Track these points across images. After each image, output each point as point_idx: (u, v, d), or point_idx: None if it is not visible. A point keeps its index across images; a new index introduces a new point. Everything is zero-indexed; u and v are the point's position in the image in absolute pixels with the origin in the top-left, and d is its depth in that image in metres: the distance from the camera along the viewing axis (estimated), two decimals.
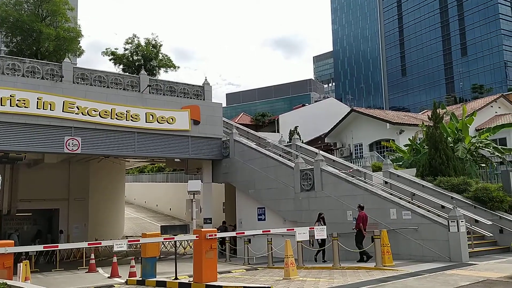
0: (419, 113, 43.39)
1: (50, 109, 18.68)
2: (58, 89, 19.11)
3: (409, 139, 24.51)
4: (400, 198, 15.83)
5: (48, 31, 23.28)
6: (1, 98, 17.63)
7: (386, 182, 18.37)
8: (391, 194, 16.14)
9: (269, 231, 12.40)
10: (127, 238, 25.09)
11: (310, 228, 11.69)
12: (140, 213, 47.03)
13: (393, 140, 28.94)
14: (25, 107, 18.15)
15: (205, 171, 24.24)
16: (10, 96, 17.90)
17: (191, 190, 15.48)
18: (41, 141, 18.61)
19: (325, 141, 37.42)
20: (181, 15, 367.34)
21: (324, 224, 15.10)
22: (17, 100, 18.02)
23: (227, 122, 28.10)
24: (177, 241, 14.41)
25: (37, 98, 18.45)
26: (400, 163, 22.92)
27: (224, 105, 26.71)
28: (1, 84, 17.81)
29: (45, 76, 19.20)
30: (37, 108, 18.42)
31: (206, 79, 24.21)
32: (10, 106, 17.85)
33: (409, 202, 15.49)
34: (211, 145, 23.18)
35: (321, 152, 20.21)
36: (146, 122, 21.04)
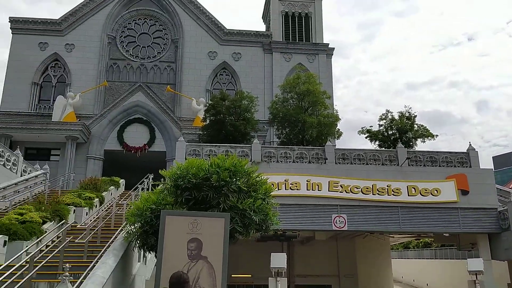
0: None
1: (318, 190, 20.44)
2: (323, 170, 20.86)
3: None
4: None
5: (311, 120, 26.11)
6: (278, 182, 20.33)
7: None
8: None
9: None
10: None
11: None
12: None
13: None
14: (297, 189, 20.40)
15: (482, 246, 21.50)
16: (285, 180, 20.48)
17: (472, 270, 13.77)
18: (312, 220, 20.29)
19: None
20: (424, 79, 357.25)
21: None
22: (290, 184, 20.44)
23: (500, 189, 24.70)
24: None
25: (306, 181, 20.54)
26: None
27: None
28: (278, 170, 20.67)
29: (311, 160, 21.37)
30: (306, 189, 20.45)
31: (470, 144, 22.43)
32: (285, 189, 20.36)
33: None
34: (485, 216, 20.76)
35: None
36: (408, 195, 20.61)
